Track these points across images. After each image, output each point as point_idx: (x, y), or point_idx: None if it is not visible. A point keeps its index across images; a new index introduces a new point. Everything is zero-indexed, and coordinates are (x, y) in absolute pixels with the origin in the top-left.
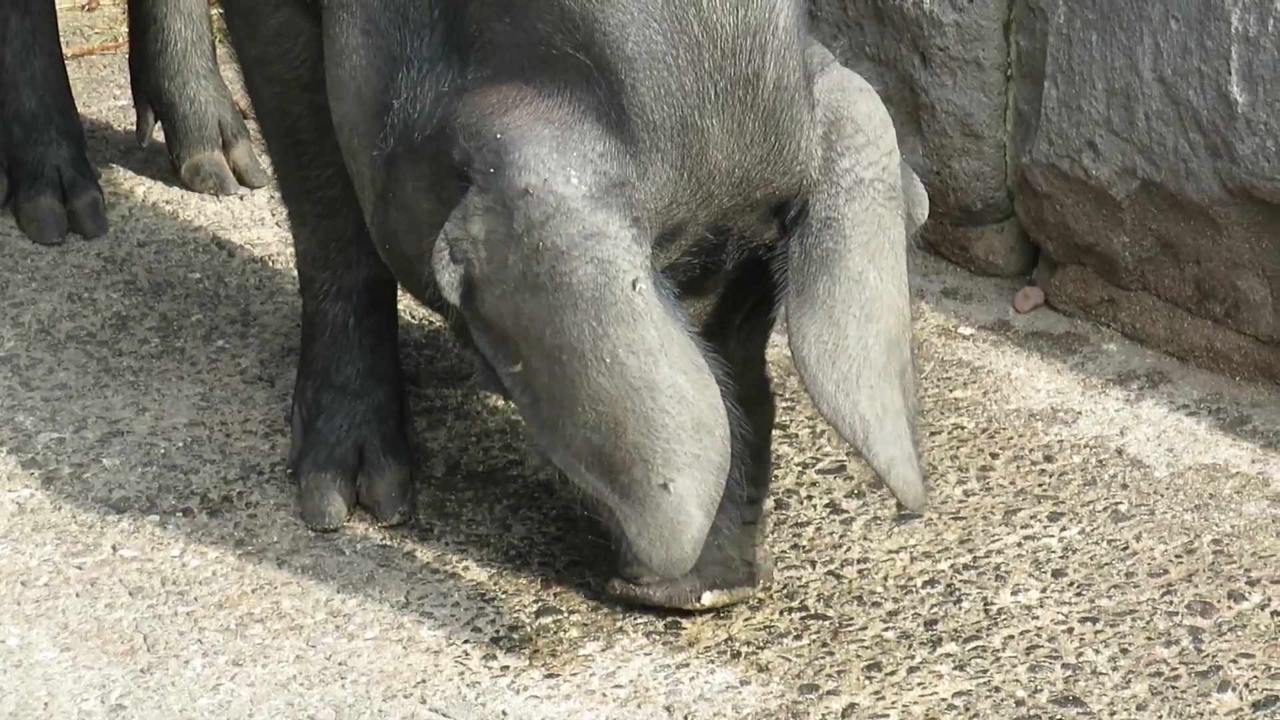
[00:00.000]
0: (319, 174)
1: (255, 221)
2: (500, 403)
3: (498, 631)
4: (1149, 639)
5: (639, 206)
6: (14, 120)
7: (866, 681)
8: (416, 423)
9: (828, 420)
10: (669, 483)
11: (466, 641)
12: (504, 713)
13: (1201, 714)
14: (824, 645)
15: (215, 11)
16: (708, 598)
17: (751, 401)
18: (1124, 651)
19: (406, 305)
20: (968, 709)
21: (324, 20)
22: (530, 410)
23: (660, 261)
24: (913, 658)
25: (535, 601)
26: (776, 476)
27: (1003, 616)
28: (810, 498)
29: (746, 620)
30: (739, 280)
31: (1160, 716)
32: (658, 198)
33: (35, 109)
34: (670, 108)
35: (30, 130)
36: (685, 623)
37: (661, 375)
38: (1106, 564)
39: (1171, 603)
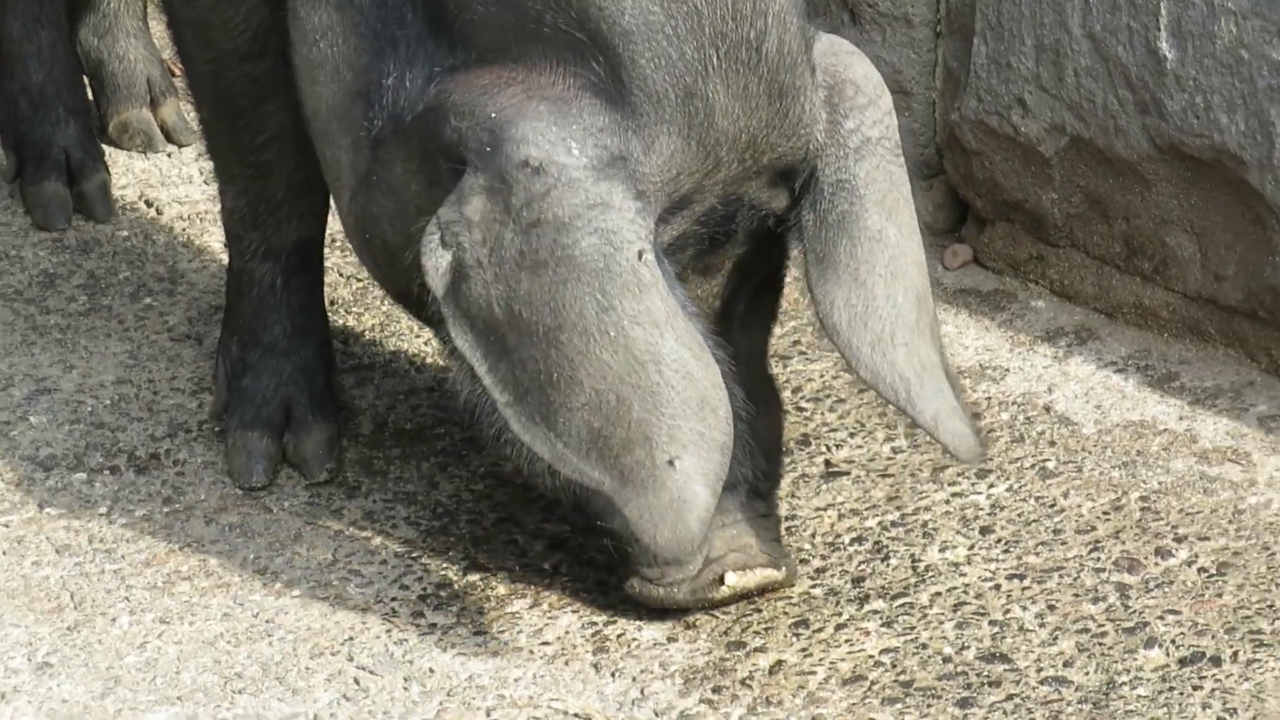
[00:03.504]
0: (252, 139)
1: (183, 179)
2: (429, 360)
3: (425, 589)
4: (1076, 596)
5: (644, 180)
6: (21, 94)
7: (794, 639)
8: (344, 380)
9: (867, 384)
10: (675, 460)
11: (394, 599)
12: (431, 670)
13: (1128, 670)
14: (751, 602)
15: None
16: (731, 579)
17: (758, 397)
18: (1051, 608)
19: (334, 263)
20: (895, 666)
21: (289, 2)
22: (515, 407)
23: (669, 233)
24: (840, 615)
25: (463, 559)
26: None
27: (930, 574)
28: None
29: None
30: (744, 261)
31: (1087, 673)
32: (664, 170)
33: (43, 83)
34: (673, 77)
35: (38, 106)
36: (612, 580)
37: (668, 348)
38: (1034, 521)
39: (1099, 559)
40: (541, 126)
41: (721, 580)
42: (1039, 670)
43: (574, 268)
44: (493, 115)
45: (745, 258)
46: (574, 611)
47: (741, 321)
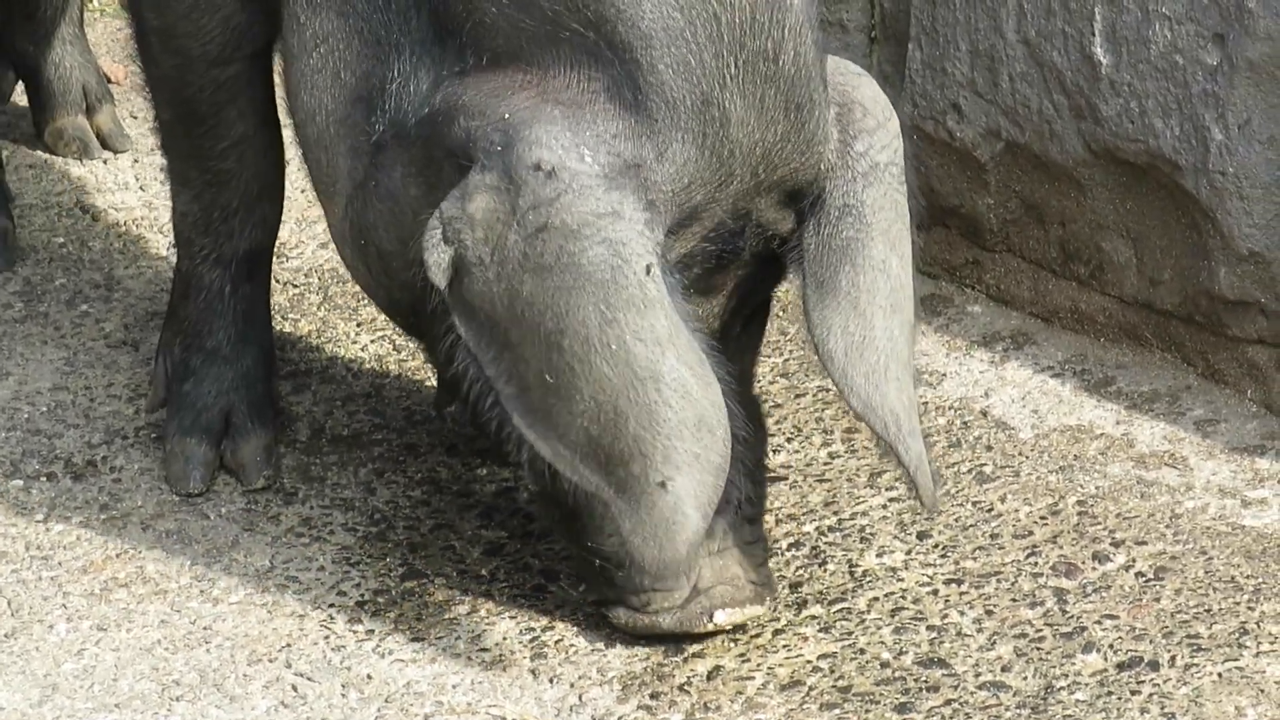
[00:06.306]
0: (213, 145)
1: (119, 186)
2: (366, 366)
3: (363, 595)
4: (1014, 600)
5: (655, 189)
6: None
7: (731, 644)
8: (281, 386)
9: (858, 414)
10: (667, 481)
11: (332, 606)
12: (369, 676)
13: (1066, 675)
14: None
15: None
16: (720, 616)
17: (747, 419)
18: (989, 613)
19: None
20: (833, 671)
21: (286, 9)
22: (517, 399)
23: (678, 248)
24: (778, 620)
25: (400, 565)
26: None
27: (868, 579)
28: None
29: None
30: (744, 283)
31: (1025, 678)
32: (676, 179)
33: None
34: (690, 84)
35: None
36: (551, 586)
37: (668, 367)
38: (971, 526)
39: (1036, 564)
40: (555, 130)
41: (711, 617)
42: (977, 675)
43: (579, 276)
44: (505, 116)
45: (746, 280)
46: (511, 618)
47: (736, 343)
